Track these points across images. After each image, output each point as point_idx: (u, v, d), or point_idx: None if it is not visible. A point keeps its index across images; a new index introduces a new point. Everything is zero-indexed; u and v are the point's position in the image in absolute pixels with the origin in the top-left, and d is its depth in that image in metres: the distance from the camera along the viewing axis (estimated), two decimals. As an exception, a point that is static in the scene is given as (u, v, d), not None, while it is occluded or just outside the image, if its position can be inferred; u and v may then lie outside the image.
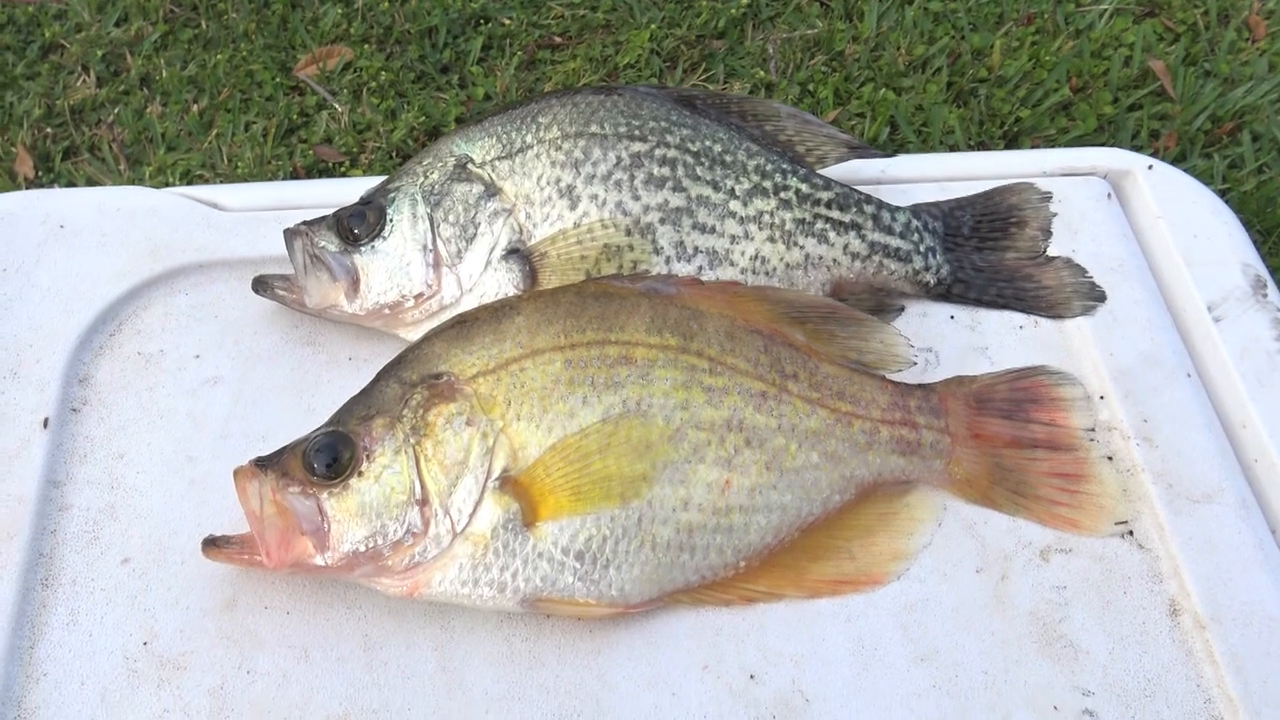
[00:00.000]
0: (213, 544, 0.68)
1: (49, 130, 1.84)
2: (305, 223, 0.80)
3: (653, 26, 2.04)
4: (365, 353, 0.81)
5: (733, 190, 0.82)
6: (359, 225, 0.79)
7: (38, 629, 0.69)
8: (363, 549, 0.67)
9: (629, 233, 0.79)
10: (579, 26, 2.15)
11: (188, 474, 0.75)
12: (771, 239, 0.82)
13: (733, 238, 0.81)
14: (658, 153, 0.81)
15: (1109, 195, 0.92)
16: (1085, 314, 0.85)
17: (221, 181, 1.71)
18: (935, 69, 2.03)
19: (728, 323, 0.75)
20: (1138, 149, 1.83)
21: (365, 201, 0.80)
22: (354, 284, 0.78)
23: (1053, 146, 1.79)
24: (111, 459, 0.76)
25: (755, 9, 2.16)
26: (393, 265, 0.79)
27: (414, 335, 0.78)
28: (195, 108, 2.03)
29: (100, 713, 0.66)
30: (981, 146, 1.84)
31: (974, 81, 1.96)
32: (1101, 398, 0.81)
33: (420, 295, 0.79)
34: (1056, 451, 0.78)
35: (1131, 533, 0.75)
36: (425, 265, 0.79)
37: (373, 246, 0.79)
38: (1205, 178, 1.50)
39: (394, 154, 1.93)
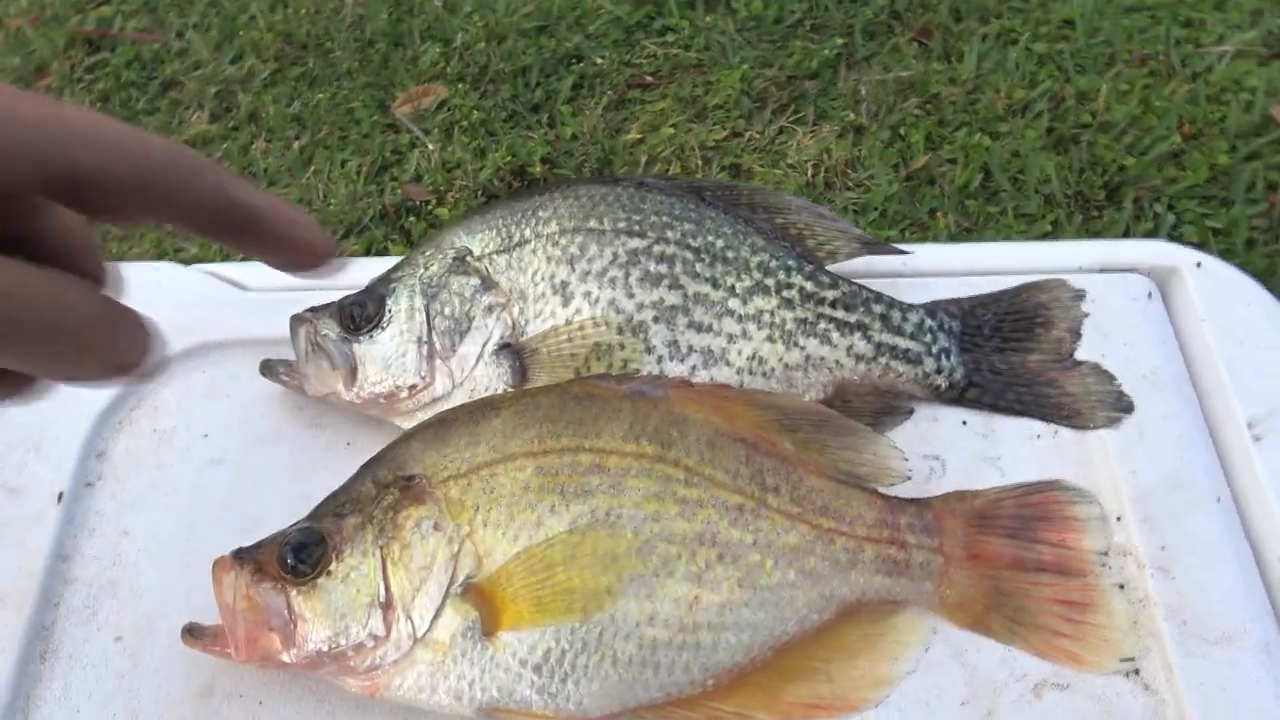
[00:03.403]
0: (190, 632, 0.70)
1: (163, 163, 1.95)
2: (311, 309, 0.82)
3: (744, 67, 2.02)
4: (363, 439, 0.82)
5: (733, 288, 0.80)
6: (360, 315, 0.80)
7: (32, 701, 0.72)
8: (326, 649, 0.67)
9: (621, 331, 0.79)
10: (671, 66, 2.15)
11: (185, 554, 0.78)
12: (770, 339, 0.80)
13: (730, 336, 0.80)
14: (656, 249, 0.80)
15: (1149, 295, 0.86)
16: (1109, 425, 0.80)
17: (316, 217, 1.78)
18: (1036, 113, 1.96)
19: (711, 430, 0.73)
20: (1252, 202, 1.72)
21: (369, 290, 0.82)
22: (352, 372, 0.80)
23: (1157, 198, 1.69)
24: (118, 535, 0.79)
25: (850, 49, 2.12)
26: (389, 356, 0.80)
27: (409, 424, 0.79)
28: (296, 144, 2.11)
29: (78, 790, 0.69)
30: (1080, 196, 1.77)
31: (1076, 127, 1.88)
32: (1118, 519, 0.76)
33: (414, 386, 0.80)
34: (1064, 576, 0.73)
35: (1138, 671, 0.70)
36: (419, 357, 0.79)
37: (371, 336, 0.80)
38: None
39: (479, 193, 1.97)
